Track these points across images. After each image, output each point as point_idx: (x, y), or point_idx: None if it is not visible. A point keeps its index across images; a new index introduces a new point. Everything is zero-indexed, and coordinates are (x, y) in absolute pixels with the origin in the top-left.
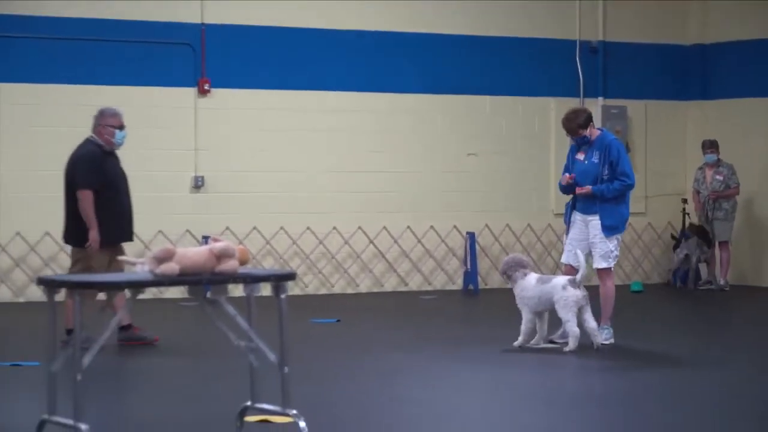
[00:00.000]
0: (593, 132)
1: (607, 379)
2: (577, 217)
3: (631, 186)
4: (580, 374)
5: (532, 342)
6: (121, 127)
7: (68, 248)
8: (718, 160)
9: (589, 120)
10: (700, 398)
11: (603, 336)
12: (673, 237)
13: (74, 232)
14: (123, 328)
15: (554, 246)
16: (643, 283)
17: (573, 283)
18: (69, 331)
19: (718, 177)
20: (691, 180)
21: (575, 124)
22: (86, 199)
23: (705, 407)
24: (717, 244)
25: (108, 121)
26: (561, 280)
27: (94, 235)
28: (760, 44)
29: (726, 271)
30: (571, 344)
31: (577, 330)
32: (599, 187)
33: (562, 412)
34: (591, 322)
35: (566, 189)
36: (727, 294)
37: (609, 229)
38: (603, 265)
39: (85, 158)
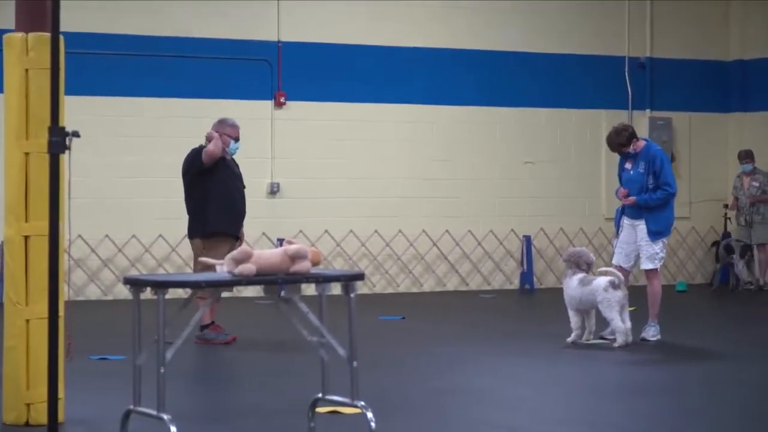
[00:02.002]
0: (638, 145)
1: (653, 372)
2: (626, 221)
3: (672, 194)
4: (628, 367)
5: (583, 338)
6: (236, 139)
7: (157, 247)
8: (754, 168)
9: (631, 138)
10: (741, 390)
11: (651, 332)
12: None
13: (194, 225)
14: (204, 326)
15: (605, 248)
16: (687, 283)
17: (614, 285)
18: (203, 327)
19: (754, 183)
20: (732, 187)
21: (617, 143)
22: (206, 157)
23: (745, 398)
24: (755, 246)
25: (226, 131)
26: (602, 282)
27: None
28: None
29: (765, 271)
30: (620, 340)
31: (622, 326)
32: (643, 196)
33: (610, 401)
34: (627, 322)
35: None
36: (766, 293)
37: (654, 234)
38: (649, 266)
39: (194, 151)
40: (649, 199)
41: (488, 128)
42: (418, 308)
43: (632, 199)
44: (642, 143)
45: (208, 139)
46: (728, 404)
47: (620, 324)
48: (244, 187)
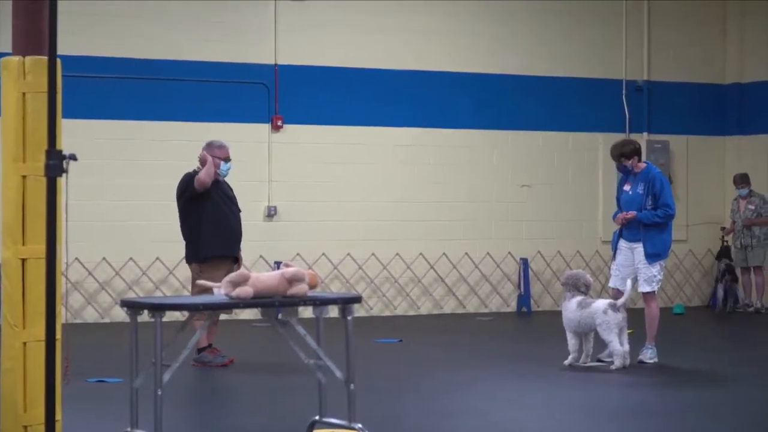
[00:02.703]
0: (638, 165)
1: (651, 394)
2: (623, 244)
3: (671, 216)
4: (625, 390)
5: (581, 361)
6: (226, 159)
7: (153, 268)
8: (750, 191)
9: (633, 152)
10: (738, 413)
11: (648, 355)
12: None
13: (191, 250)
14: (201, 349)
15: (602, 271)
16: (685, 306)
17: (613, 308)
18: (200, 350)
19: (750, 207)
20: (729, 209)
21: (618, 152)
22: (198, 185)
23: (742, 421)
24: (752, 269)
25: (215, 153)
26: (601, 304)
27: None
28: None
29: (761, 294)
30: (617, 362)
31: (620, 348)
32: (643, 213)
33: (607, 424)
34: (625, 345)
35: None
36: (763, 316)
37: (652, 256)
38: (647, 289)
39: (187, 176)
40: (649, 215)
41: (485, 151)
42: (415, 331)
43: (632, 213)
44: (643, 165)
45: (201, 161)
46: (725, 427)
47: (618, 347)
48: (239, 210)
